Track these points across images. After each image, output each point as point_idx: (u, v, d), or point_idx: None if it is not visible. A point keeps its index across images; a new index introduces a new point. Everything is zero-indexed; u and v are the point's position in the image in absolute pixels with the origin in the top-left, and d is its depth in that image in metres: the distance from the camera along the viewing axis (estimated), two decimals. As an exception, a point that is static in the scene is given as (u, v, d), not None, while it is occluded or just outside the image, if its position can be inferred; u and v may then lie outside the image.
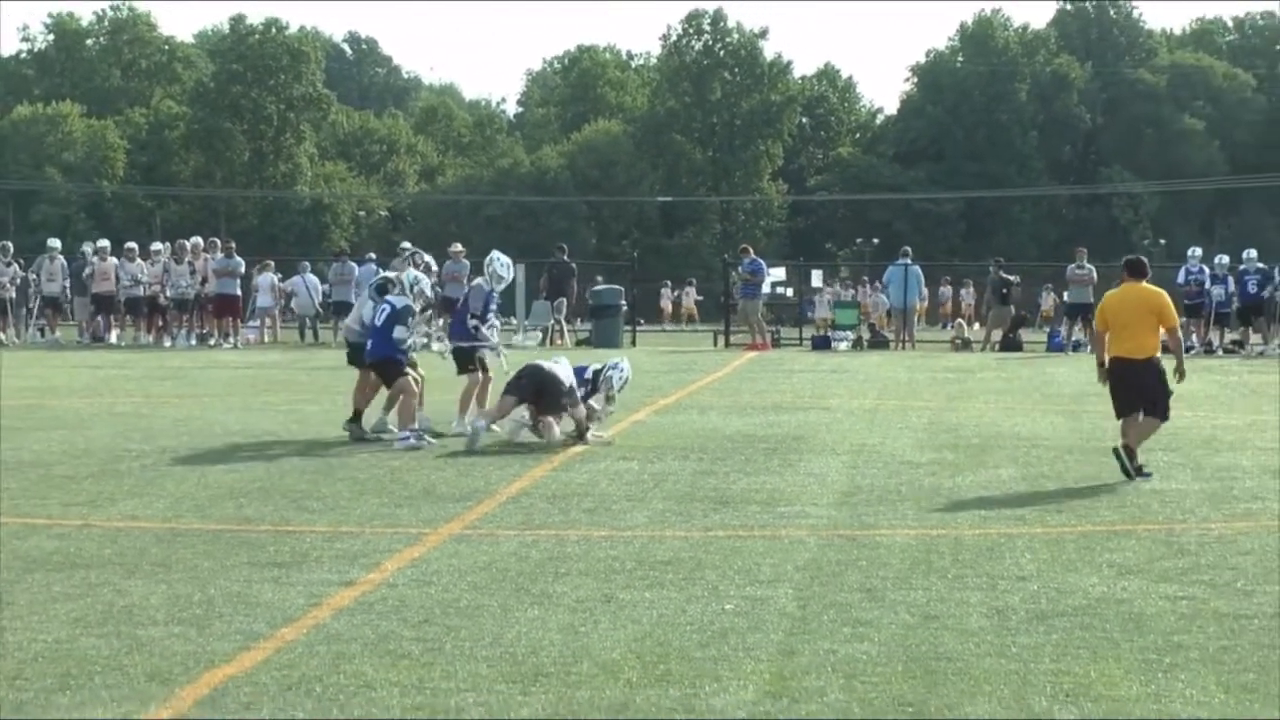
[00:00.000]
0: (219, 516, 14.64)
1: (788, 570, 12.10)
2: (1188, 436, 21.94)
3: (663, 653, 9.55)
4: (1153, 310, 18.39)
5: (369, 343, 20.94)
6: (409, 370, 20.63)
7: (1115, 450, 17.71)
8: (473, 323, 21.52)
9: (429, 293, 22.03)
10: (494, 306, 21.95)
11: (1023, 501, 15.88)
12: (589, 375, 20.81)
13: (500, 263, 22.08)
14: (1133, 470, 17.32)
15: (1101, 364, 18.47)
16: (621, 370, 21.17)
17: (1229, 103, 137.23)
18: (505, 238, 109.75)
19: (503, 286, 22.34)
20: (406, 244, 46.39)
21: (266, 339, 49.17)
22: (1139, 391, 18.13)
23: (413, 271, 22.19)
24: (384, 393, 21.08)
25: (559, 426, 20.24)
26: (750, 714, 8.33)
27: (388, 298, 20.96)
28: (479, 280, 22.18)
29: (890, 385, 31.67)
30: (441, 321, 21.60)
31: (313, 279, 51.92)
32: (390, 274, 22.31)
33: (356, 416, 21.16)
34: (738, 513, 14.99)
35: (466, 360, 21.55)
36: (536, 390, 20.02)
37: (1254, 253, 46.85)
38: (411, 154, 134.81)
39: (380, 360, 20.67)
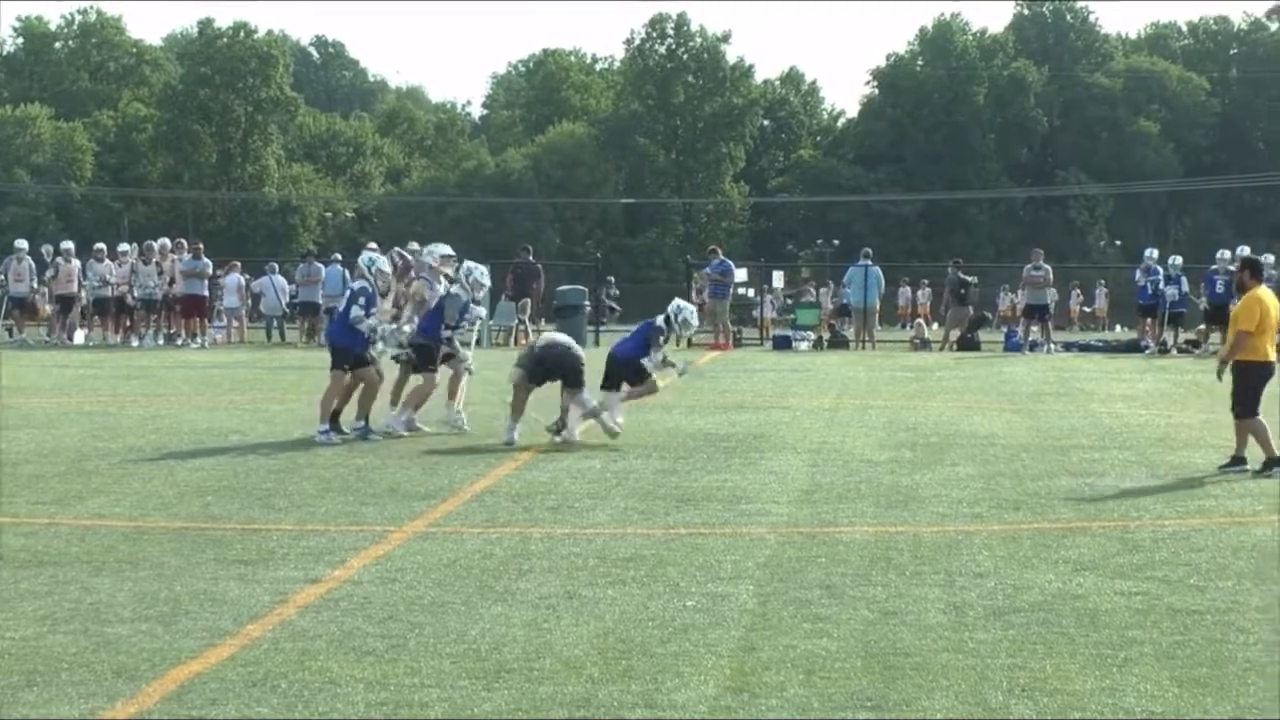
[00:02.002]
0: (186, 514, 14.60)
1: (748, 567, 12.11)
2: (1142, 435, 22.02)
3: (625, 649, 9.55)
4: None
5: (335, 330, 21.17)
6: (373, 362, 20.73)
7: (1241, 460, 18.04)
8: (446, 333, 21.49)
9: (387, 269, 21.96)
10: (470, 315, 21.93)
11: (980, 499, 15.91)
12: (660, 323, 21.00)
13: (480, 270, 22.16)
14: None
15: (1227, 362, 18.52)
16: (684, 309, 21.56)
17: (1183, 106, 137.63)
18: (470, 238, 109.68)
19: (483, 294, 22.44)
20: (374, 245, 46.52)
21: (233, 339, 49.11)
22: (1262, 392, 18.34)
23: (368, 253, 22.12)
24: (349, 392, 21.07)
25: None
26: (711, 709, 8.33)
27: (350, 284, 21.06)
28: (456, 289, 22.10)
29: (850, 385, 31.70)
30: (394, 325, 21.45)
31: (280, 280, 51.86)
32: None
33: (334, 417, 21.00)
34: (699, 510, 15.00)
35: (427, 359, 21.47)
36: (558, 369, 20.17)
37: (1227, 254, 46.84)
38: (378, 156, 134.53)
39: (341, 348, 20.71)
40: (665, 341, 21.52)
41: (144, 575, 11.62)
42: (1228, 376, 18.38)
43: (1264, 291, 18.42)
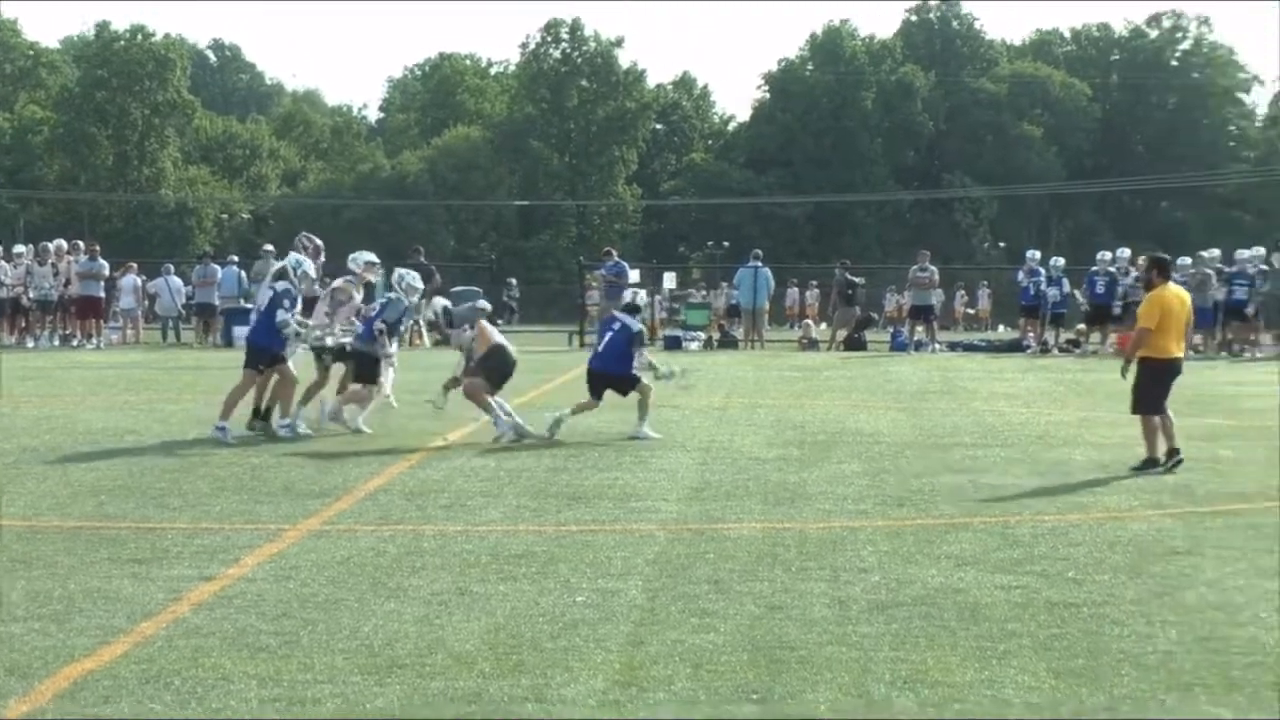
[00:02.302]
0: (80, 514, 14.49)
1: (638, 564, 12.13)
2: (1023, 433, 22.19)
3: (515, 644, 9.55)
4: (1187, 311, 18.83)
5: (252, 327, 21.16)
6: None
7: (1154, 461, 18.00)
8: (383, 340, 21.44)
9: (312, 273, 21.93)
10: (407, 321, 22.02)
11: (865, 496, 15.99)
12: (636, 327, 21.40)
13: (411, 275, 22.42)
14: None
15: (1130, 360, 18.55)
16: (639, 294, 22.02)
17: (1065, 111, 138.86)
18: (366, 241, 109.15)
19: (418, 298, 22.51)
20: (269, 246, 46.33)
21: (129, 340, 48.76)
22: (1167, 389, 18.33)
23: (294, 255, 22.03)
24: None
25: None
26: (600, 702, 8.35)
27: (273, 284, 20.99)
28: (394, 294, 22.14)
29: (739, 384, 31.79)
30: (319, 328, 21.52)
31: (176, 281, 51.61)
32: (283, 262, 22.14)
33: (259, 413, 21.03)
34: (590, 508, 15.01)
35: (370, 368, 21.50)
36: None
37: (1107, 255, 47.24)
38: (274, 158, 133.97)
39: (260, 348, 20.67)
40: (644, 342, 21.75)
41: (37, 574, 11.52)
42: (1132, 372, 18.49)
43: (1169, 290, 18.43)
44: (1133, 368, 18.50)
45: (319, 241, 23.48)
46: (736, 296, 53.02)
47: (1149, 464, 17.96)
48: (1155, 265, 19.07)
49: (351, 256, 23.04)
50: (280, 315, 20.57)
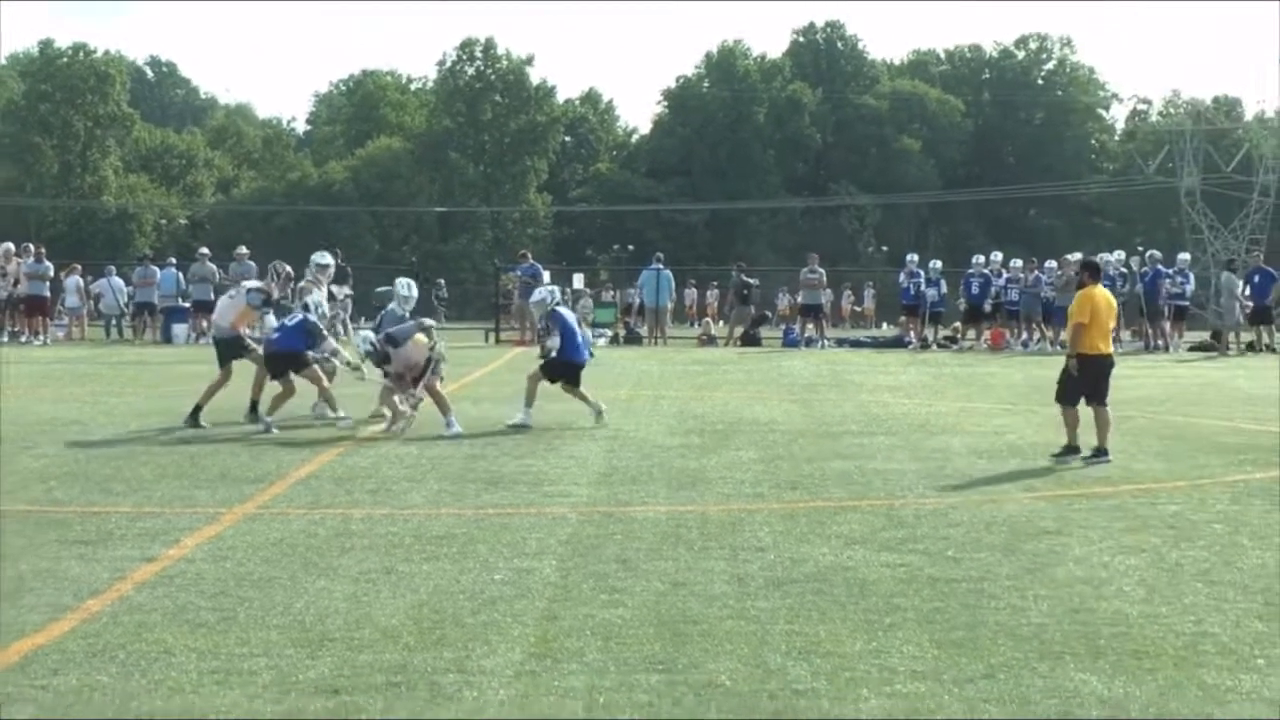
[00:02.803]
0: (29, 499, 14.34)
1: (551, 544, 12.10)
2: (906, 422, 22.29)
3: (438, 619, 9.51)
4: (1114, 311, 18.76)
5: (276, 336, 21.00)
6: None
7: (1068, 450, 17.82)
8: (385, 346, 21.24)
9: (327, 310, 21.97)
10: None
11: (761, 480, 16.01)
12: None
13: (404, 283, 22.48)
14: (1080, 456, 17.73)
15: (1074, 356, 18.20)
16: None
17: (941, 125, 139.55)
18: (295, 245, 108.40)
19: (411, 306, 22.27)
20: (205, 249, 45.97)
21: (74, 337, 48.41)
22: (1097, 384, 18.10)
23: (317, 294, 21.97)
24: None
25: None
26: (517, 673, 8.33)
27: (306, 315, 20.94)
28: (392, 305, 22.08)
29: (644, 377, 31.79)
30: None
31: (118, 281, 51.21)
32: (310, 300, 21.89)
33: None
34: (507, 492, 14.97)
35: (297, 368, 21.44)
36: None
37: (981, 258, 47.60)
38: (209, 167, 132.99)
39: (291, 353, 20.65)
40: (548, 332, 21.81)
41: (-11, 556, 11.41)
42: (1059, 364, 18.46)
43: (1098, 290, 18.29)
44: (1051, 360, 18.52)
45: (289, 269, 23.40)
46: (632, 296, 53.03)
47: (1069, 451, 17.83)
48: (1086, 268, 18.90)
49: (314, 255, 23.08)
50: (327, 344, 21.10)
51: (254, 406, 20.96)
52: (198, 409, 20.67)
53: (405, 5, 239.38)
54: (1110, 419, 18.08)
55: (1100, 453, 17.72)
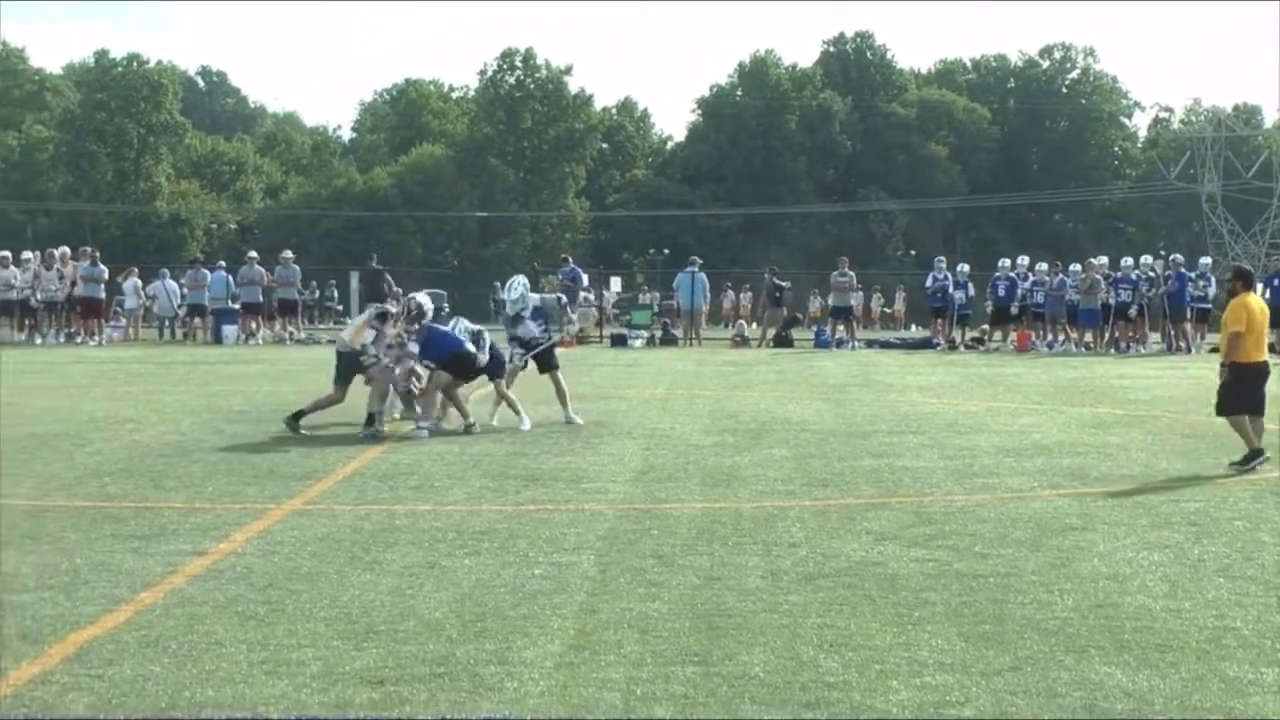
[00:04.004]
0: (84, 494, 14.39)
1: (589, 539, 12.10)
2: (934, 421, 22.22)
3: (480, 612, 9.52)
4: (1267, 317, 17.99)
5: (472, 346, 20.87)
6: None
7: (1253, 456, 16.95)
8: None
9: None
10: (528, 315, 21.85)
11: (793, 478, 15.98)
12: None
13: (519, 283, 22.46)
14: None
15: (1226, 364, 17.47)
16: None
17: (968, 133, 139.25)
18: (341, 249, 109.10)
19: (521, 306, 22.02)
20: (254, 254, 45.96)
21: (131, 337, 48.60)
22: (1254, 391, 17.43)
23: (463, 322, 21.83)
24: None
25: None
26: (556, 664, 8.32)
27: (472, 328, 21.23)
28: (536, 301, 22.09)
29: (679, 377, 31.78)
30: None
31: (171, 284, 51.48)
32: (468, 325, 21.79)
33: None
34: (546, 489, 14.97)
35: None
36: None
37: (1007, 262, 47.55)
38: (257, 174, 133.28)
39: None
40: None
41: (46, 549, 11.43)
42: (1218, 373, 17.73)
43: (1251, 297, 17.65)
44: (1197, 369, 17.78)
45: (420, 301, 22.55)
46: (678, 298, 53.07)
47: (1254, 455, 17.00)
48: (1239, 276, 18.08)
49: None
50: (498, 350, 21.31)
51: (371, 419, 19.82)
52: (300, 414, 19.95)
53: (447, 16, 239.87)
54: (1263, 426, 17.44)
55: (1255, 455, 17.00)
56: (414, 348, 20.39)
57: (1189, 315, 44.61)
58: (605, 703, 7.68)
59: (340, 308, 72.06)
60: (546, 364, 21.77)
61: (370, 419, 19.71)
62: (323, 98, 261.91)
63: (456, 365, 20.49)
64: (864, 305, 67.94)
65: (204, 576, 10.54)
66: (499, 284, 74.85)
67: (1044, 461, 17.52)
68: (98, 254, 48.07)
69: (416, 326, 20.60)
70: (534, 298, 22.20)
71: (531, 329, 21.78)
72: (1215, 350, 43.24)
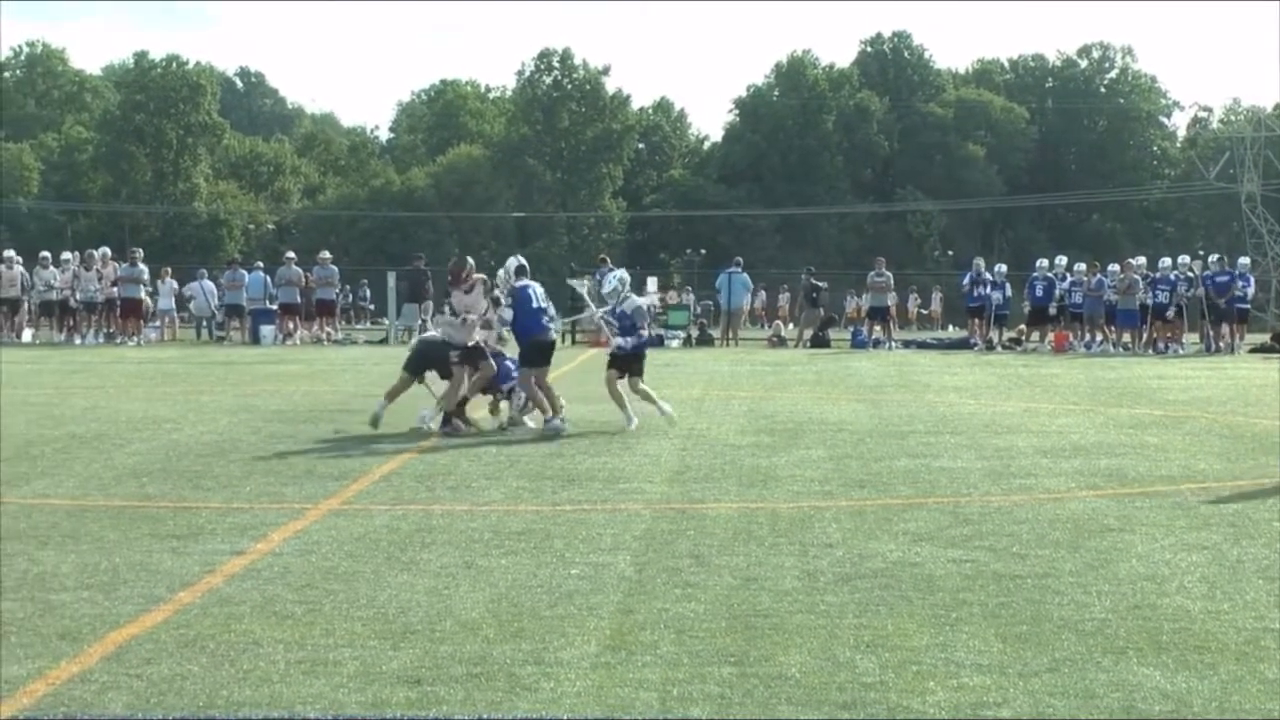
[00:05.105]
0: (123, 494, 14.43)
1: (626, 539, 12.09)
2: (971, 421, 22.15)
3: (516, 612, 9.52)
4: None
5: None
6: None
7: None
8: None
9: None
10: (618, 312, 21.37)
11: (830, 478, 15.95)
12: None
13: (616, 278, 22.04)
14: None
15: None
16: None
17: (1006, 133, 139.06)
18: (378, 248, 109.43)
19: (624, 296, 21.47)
20: (291, 254, 46.07)
21: (166, 337, 48.78)
22: None
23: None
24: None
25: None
26: (593, 665, 8.32)
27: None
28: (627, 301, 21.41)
29: (716, 378, 31.76)
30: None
31: (209, 284, 51.72)
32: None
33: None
34: (582, 489, 14.97)
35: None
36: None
37: (1045, 262, 47.44)
38: (295, 174, 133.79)
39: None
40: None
41: (85, 548, 11.48)
42: None
43: None
44: None
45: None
46: (716, 298, 53.03)
47: None
48: None
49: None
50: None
51: (448, 418, 19.95)
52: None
53: (485, 17, 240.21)
54: None
55: None
56: (506, 313, 20.58)
57: (1229, 316, 44.45)
58: (641, 703, 7.67)
59: (373, 307, 72.13)
60: (635, 369, 21.30)
61: (447, 417, 19.83)
62: (360, 98, 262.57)
63: (535, 353, 20.54)
64: (900, 306, 67.76)
65: (241, 576, 10.57)
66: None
67: (1081, 462, 17.45)
68: (137, 254, 48.32)
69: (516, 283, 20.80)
70: (633, 299, 21.55)
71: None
72: (1256, 350, 43.34)
